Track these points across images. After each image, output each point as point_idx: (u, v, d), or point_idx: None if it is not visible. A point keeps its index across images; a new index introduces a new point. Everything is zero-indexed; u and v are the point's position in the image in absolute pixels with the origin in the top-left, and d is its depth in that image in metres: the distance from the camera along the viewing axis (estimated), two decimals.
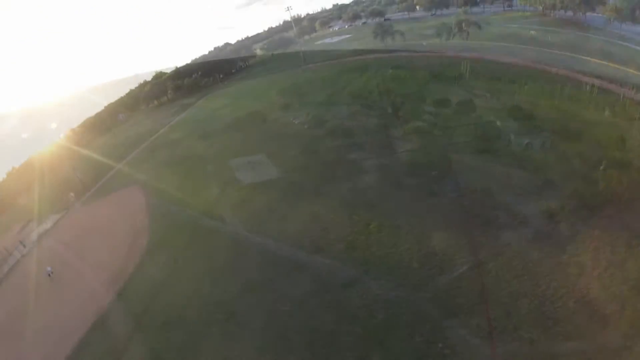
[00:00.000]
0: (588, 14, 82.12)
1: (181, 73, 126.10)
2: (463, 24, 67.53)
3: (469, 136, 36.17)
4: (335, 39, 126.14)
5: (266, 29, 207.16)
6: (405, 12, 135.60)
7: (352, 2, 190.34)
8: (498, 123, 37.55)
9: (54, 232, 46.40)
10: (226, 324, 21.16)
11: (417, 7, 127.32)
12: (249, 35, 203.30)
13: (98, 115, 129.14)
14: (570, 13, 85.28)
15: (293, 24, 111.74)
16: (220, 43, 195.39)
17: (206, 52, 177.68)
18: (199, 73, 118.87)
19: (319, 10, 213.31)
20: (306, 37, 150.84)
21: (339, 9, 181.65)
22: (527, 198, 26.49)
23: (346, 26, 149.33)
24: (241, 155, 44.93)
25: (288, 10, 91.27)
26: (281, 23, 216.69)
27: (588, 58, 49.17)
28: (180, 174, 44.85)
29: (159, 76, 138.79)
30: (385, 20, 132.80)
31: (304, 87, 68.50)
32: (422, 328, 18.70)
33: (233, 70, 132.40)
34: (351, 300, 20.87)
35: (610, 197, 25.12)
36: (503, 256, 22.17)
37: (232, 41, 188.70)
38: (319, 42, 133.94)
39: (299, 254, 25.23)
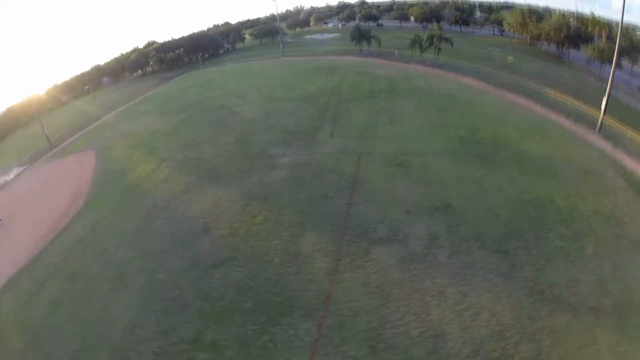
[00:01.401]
0: (572, 51, 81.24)
1: (167, 46, 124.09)
2: (434, 39, 65.85)
3: (391, 147, 35.10)
4: (325, 35, 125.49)
5: (268, 14, 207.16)
6: (397, 21, 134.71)
7: (357, 2, 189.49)
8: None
9: (13, 184, 48.93)
10: (114, 281, 23.32)
11: (412, 18, 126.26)
12: (250, 19, 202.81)
13: (84, 74, 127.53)
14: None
15: (277, 17, 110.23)
16: (221, 21, 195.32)
17: (205, 28, 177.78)
18: (182, 49, 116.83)
19: (324, 5, 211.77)
20: (298, 29, 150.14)
21: (341, 7, 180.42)
22: (417, 217, 25.43)
23: (339, 25, 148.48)
24: (186, 136, 46.94)
25: (274, 0, 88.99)
26: (283, 12, 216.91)
27: (550, 91, 47.39)
28: (131, 145, 47.55)
29: (149, 45, 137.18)
30: (377, 25, 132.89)
31: (270, 80, 69.13)
32: (257, 319, 19.04)
33: (220, 51, 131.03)
34: (211, 280, 21.98)
35: (514, 232, 23.64)
36: (363, 270, 21.33)
37: (234, 21, 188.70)
38: (308, 36, 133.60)
39: (190, 232, 26.82)
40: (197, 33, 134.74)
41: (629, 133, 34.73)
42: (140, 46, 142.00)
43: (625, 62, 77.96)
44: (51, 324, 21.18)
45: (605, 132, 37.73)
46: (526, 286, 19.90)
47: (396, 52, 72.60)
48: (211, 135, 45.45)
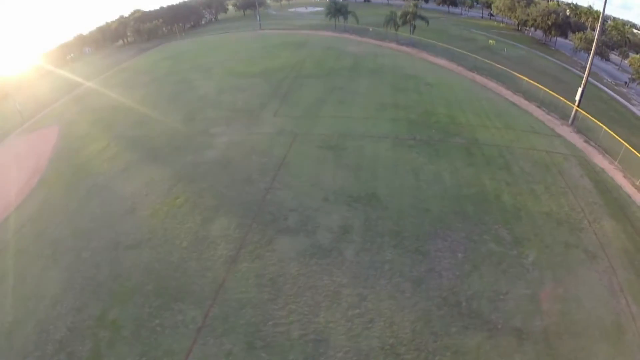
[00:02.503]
0: (560, 39, 78.17)
1: (146, 17, 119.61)
2: (408, 16, 62.15)
3: (330, 129, 32.36)
4: (310, 9, 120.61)
5: None
6: None
7: None
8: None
9: None
10: (48, 259, 23.25)
11: None
12: None
13: (67, 44, 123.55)
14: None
15: None
16: None
17: None
18: (160, 20, 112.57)
19: None
20: (284, 1, 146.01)
21: None
22: (334, 206, 23.17)
23: None
24: (142, 111, 44.85)
25: None
26: None
27: (525, 78, 44.09)
28: (92, 121, 46.11)
29: (132, 15, 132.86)
30: (365, 1, 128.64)
31: (238, 53, 65.83)
32: (154, 302, 18.70)
33: (202, 22, 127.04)
34: (125, 261, 21.63)
35: (441, 231, 20.95)
36: (261, 260, 19.89)
37: None
38: (293, 9, 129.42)
39: (118, 212, 26.11)
40: (178, 4, 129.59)
41: (604, 128, 31.64)
42: (126, 14, 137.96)
43: (615, 57, 75.82)
44: None
45: (578, 125, 35.03)
46: (440, 295, 17.51)
47: (370, 29, 68.87)
48: (163, 112, 43.36)
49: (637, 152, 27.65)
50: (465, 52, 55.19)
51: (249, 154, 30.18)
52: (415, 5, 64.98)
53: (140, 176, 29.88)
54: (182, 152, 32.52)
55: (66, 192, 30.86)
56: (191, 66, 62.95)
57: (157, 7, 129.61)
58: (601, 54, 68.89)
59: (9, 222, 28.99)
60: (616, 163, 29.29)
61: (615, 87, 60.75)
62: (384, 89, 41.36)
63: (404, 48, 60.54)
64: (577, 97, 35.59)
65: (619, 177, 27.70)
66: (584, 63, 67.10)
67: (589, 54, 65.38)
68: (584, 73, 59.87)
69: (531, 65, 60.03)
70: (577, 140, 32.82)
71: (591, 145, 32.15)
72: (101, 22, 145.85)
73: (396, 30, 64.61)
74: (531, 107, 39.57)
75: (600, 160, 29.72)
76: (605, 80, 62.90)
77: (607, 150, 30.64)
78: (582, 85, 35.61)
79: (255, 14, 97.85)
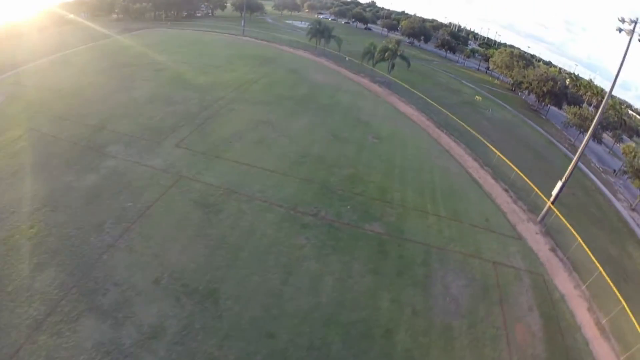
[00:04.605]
0: (553, 108, 73.33)
1: None
2: (386, 53, 56.19)
3: (223, 178, 26.67)
4: (305, 24, 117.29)
5: None
6: (385, 29, 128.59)
7: (367, 3, 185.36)
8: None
9: None
10: None
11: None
12: None
13: (68, 3, 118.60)
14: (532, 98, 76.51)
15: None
16: None
17: None
18: (150, 4, 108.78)
19: None
20: (286, 11, 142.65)
21: (348, 4, 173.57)
22: (161, 293, 18.10)
23: (329, 19, 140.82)
24: (72, 104, 39.77)
25: None
26: None
27: (497, 152, 37.41)
28: (30, 101, 40.96)
29: None
30: (365, 28, 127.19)
31: (201, 57, 60.71)
32: None
33: (198, 14, 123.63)
34: None
35: None
36: (60, 339, 15.71)
37: None
38: (289, 21, 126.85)
39: None
40: None
41: (579, 240, 24.85)
42: None
43: (608, 138, 71.24)
44: None
45: (549, 224, 28.28)
46: None
47: (347, 59, 63.09)
48: (86, 111, 38.29)
49: (613, 273, 22.10)
50: (443, 104, 49.14)
51: (121, 190, 25.09)
52: (397, 43, 59.01)
53: (19, 188, 25.46)
54: (68, 168, 27.74)
55: None
56: (149, 61, 58.30)
57: None
58: (594, 134, 63.58)
59: None
60: (584, 288, 22.58)
61: (603, 175, 54.96)
62: (320, 134, 35.36)
63: (374, 86, 54.88)
64: (554, 192, 28.69)
65: (581, 311, 21.07)
66: (573, 140, 61.84)
67: (580, 132, 60.03)
68: (571, 151, 54.72)
69: (514, 133, 54.62)
70: (541, 246, 26.05)
71: (558, 256, 25.41)
72: None
73: (373, 65, 58.65)
74: (496, 189, 32.99)
75: (563, 281, 23.04)
76: (592, 165, 57.20)
77: (577, 267, 23.98)
78: (563, 179, 28.62)
79: (243, 18, 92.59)
